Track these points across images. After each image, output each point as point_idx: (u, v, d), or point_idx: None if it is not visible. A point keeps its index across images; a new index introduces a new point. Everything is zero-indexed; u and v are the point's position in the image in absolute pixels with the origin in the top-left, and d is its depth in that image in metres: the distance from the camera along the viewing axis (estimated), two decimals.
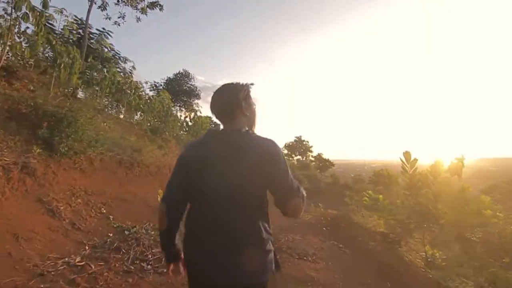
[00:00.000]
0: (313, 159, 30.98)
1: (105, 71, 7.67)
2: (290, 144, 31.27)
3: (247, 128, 1.11)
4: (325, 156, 30.61)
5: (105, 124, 5.59)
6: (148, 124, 9.12)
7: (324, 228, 6.31)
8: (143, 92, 10.66)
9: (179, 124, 11.92)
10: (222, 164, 1.01)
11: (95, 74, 7.28)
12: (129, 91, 8.96)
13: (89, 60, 8.97)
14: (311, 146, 31.60)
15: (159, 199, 4.92)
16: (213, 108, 1.13)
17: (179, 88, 27.89)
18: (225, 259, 0.99)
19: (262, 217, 1.06)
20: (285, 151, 29.68)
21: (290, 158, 29.88)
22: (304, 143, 31.30)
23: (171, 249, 1.14)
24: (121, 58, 14.54)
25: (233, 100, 1.09)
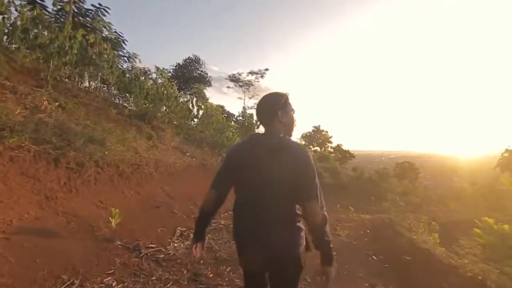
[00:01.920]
0: (332, 150, 28.64)
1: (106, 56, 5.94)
2: (308, 134, 29.00)
3: (282, 134, 1.30)
4: (344, 147, 28.23)
5: (45, 101, 3.71)
6: (134, 107, 7.25)
7: (372, 257, 4.28)
8: (151, 80, 9.04)
9: (187, 112, 10.01)
10: (260, 162, 1.22)
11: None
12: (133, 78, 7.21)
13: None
14: (331, 137, 29.21)
15: (113, 223, 3.05)
16: (257, 114, 1.38)
17: (189, 75, 26.12)
18: (264, 237, 1.22)
19: (291, 206, 1.25)
20: (302, 142, 27.43)
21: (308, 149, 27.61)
22: (323, 133, 28.93)
23: (202, 233, 1.42)
24: (125, 42, 12.93)
25: (271, 109, 1.31)
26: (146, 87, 8.25)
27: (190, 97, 11.65)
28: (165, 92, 8.17)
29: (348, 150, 28.61)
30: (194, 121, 10.87)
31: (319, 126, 29.59)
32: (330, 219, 1.27)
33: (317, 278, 1.24)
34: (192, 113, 10.16)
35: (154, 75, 10.62)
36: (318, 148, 28.79)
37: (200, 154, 8.22)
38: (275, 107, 1.29)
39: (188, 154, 7.41)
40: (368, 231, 6.37)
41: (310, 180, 1.20)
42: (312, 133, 29.17)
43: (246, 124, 11.00)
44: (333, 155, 27.28)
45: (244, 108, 11.29)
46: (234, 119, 11.10)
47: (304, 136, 28.78)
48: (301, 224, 1.26)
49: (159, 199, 4.69)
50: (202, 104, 10.56)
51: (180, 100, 10.44)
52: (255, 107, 1.39)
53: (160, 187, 5.11)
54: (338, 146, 28.61)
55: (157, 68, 9.63)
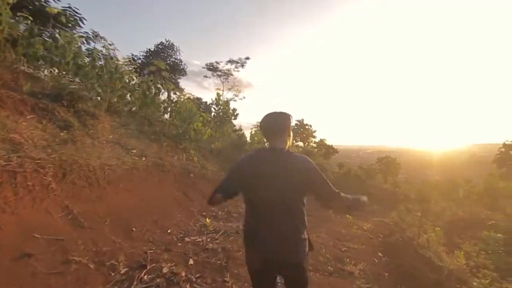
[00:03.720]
0: (315, 145, 27.22)
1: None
2: (291, 128, 27.37)
3: (287, 147, 1.51)
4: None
5: None
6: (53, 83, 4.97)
7: None
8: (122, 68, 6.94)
9: (142, 96, 7.81)
10: (271, 177, 1.37)
11: None
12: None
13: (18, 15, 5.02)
14: (314, 131, 27.75)
15: None
16: (265, 129, 1.53)
17: (165, 67, 23.54)
18: (275, 245, 1.38)
19: (300, 216, 1.43)
20: None
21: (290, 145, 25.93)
22: (307, 127, 27.40)
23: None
24: (82, 20, 10.54)
25: (282, 127, 1.51)
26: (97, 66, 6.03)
27: (162, 86, 9.56)
28: (112, 69, 6.00)
29: (331, 146, 27.34)
30: (162, 112, 8.73)
31: (302, 120, 28.05)
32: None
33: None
34: (155, 99, 7.96)
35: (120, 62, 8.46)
36: (301, 143, 27.25)
37: (155, 151, 6.14)
38: (285, 125, 1.51)
39: (134, 151, 5.32)
40: (380, 254, 4.67)
41: (320, 175, 1.42)
42: (295, 127, 27.55)
43: (221, 113, 9.02)
44: (316, 150, 25.88)
45: (218, 94, 9.22)
46: (207, 113, 9.01)
47: None
48: (305, 234, 1.45)
49: (48, 232, 2.63)
50: (181, 99, 8.39)
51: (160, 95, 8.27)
52: (262, 123, 1.52)
53: (60, 206, 3.04)
54: (322, 141, 27.24)
55: (108, 45, 7.34)
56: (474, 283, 3.32)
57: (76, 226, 2.96)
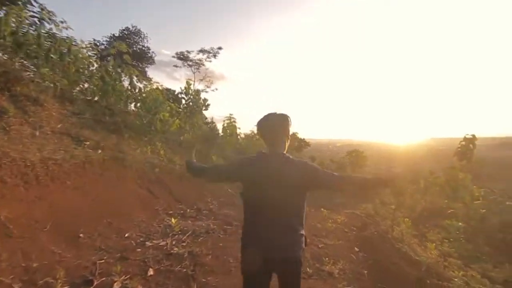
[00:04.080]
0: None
1: None
2: None
3: (286, 149, 1.50)
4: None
5: None
6: None
7: None
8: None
9: (100, 81, 6.99)
10: (272, 179, 1.38)
11: None
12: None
13: None
14: None
15: None
16: (266, 131, 1.51)
17: (127, 50, 21.88)
18: (275, 241, 1.39)
19: (298, 217, 1.45)
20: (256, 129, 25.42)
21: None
22: None
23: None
24: None
25: (285, 130, 1.49)
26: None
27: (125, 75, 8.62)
28: (65, 51, 5.16)
29: (303, 139, 27.63)
30: (125, 101, 7.91)
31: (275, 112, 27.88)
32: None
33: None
34: (116, 86, 7.14)
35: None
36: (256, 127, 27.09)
37: (114, 143, 5.47)
38: (287, 127, 1.49)
39: (87, 143, 4.65)
40: (356, 249, 4.54)
41: (319, 170, 1.46)
42: None
43: (191, 103, 8.41)
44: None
45: (188, 83, 8.58)
46: (176, 104, 8.31)
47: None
48: (303, 231, 1.47)
49: None
50: (148, 89, 7.61)
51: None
52: (262, 124, 1.50)
53: None
54: (294, 134, 27.41)
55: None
56: (456, 279, 3.23)
57: (1, 236, 2.36)
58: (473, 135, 16.78)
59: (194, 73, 25.31)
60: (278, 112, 1.52)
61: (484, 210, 12.04)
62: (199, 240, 3.79)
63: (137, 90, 7.59)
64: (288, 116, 1.50)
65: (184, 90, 8.35)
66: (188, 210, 5.28)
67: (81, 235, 2.98)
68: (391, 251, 4.16)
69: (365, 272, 3.50)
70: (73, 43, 6.89)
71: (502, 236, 11.14)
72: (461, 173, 14.49)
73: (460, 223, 10.23)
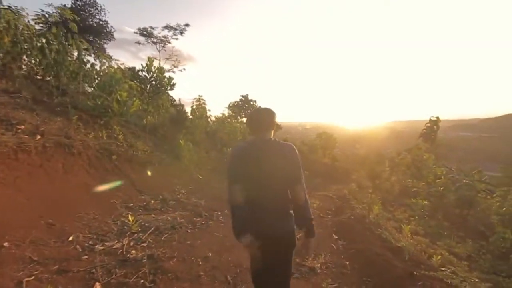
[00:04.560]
0: None
1: None
2: (235, 104, 26.35)
3: (273, 137, 1.69)
4: None
5: None
6: None
7: None
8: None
9: (39, 55, 5.90)
10: (265, 161, 1.55)
11: None
12: None
13: None
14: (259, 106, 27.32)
15: None
16: (254, 125, 1.68)
17: (82, 24, 19.57)
18: (272, 221, 1.56)
19: (287, 196, 1.61)
20: (230, 112, 24.71)
21: (235, 121, 25.10)
22: (252, 103, 26.76)
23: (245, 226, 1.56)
24: None
25: (271, 121, 1.67)
26: None
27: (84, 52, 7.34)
28: None
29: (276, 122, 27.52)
30: (74, 78, 6.83)
31: (247, 95, 27.17)
32: None
33: (302, 250, 1.65)
34: (59, 60, 6.07)
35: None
36: (245, 119, 26.65)
37: (59, 127, 4.63)
38: (273, 120, 1.69)
39: (22, 128, 3.83)
40: (335, 236, 4.34)
41: (298, 169, 1.60)
42: (240, 102, 26.64)
43: (154, 82, 7.55)
44: None
45: (150, 59, 7.65)
46: (137, 82, 7.37)
47: (232, 106, 26.03)
48: (291, 210, 1.63)
49: None
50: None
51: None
52: (251, 119, 1.71)
53: None
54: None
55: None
56: (443, 268, 3.11)
57: None
58: (437, 117, 17.76)
59: (159, 51, 23.52)
60: (264, 107, 1.77)
61: (442, 188, 12.84)
62: (162, 238, 3.29)
63: (88, 66, 6.58)
64: (273, 111, 1.72)
65: (146, 68, 7.46)
66: (152, 201, 4.72)
67: (5, 244, 2.34)
68: (371, 238, 4.00)
69: (347, 263, 3.27)
70: (7, 8, 5.72)
71: (459, 212, 11.99)
72: (425, 154, 15.29)
73: (425, 202, 10.76)
